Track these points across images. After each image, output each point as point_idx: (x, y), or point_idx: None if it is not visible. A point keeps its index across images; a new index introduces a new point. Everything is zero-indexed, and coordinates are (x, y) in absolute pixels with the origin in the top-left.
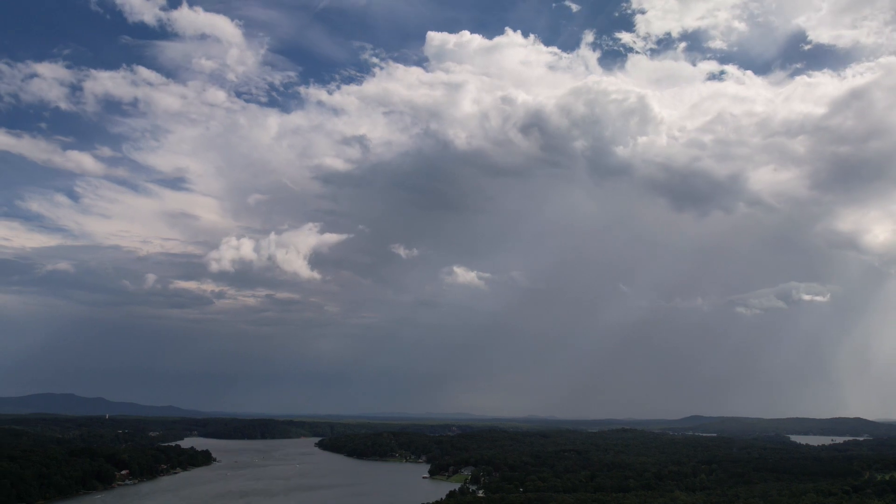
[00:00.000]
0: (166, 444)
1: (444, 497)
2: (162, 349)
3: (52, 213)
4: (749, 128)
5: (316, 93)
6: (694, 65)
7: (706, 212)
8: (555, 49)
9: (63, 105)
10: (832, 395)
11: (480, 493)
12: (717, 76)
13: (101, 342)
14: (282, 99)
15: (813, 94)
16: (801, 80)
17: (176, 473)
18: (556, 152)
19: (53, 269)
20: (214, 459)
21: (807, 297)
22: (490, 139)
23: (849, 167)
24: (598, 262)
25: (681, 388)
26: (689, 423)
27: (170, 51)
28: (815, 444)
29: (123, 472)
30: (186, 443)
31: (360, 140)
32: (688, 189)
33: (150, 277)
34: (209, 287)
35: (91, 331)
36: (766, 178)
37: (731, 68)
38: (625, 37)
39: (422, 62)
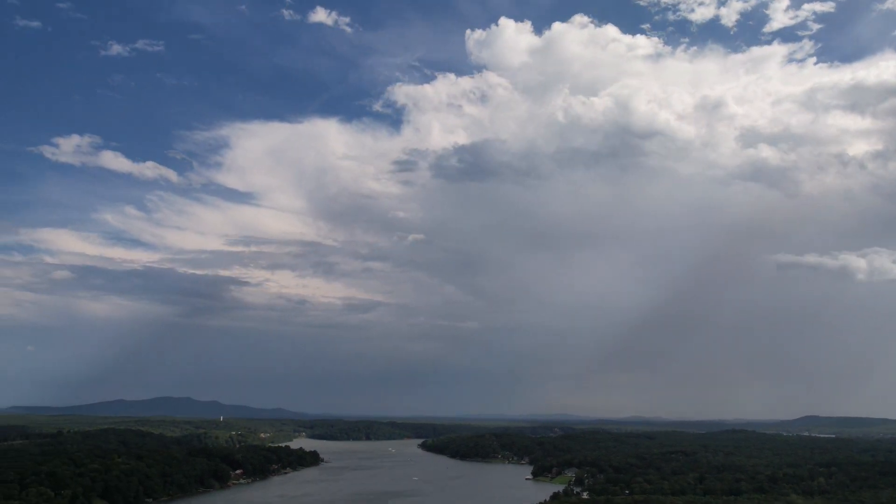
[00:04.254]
0: (276, 445)
1: (548, 499)
2: (269, 354)
3: (128, 226)
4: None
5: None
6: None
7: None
8: (618, 33)
9: (134, 114)
10: None
11: (585, 495)
12: (797, 59)
13: (212, 348)
14: (345, 107)
15: None
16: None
17: (286, 473)
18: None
19: (159, 278)
20: (322, 460)
21: None
22: (556, 138)
23: None
24: (698, 246)
25: (793, 386)
26: (803, 424)
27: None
28: None
29: (238, 471)
30: (295, 444)
31: (429, 144)
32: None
33: (250, 284)
34: (305, 292)
35: (202, 337)
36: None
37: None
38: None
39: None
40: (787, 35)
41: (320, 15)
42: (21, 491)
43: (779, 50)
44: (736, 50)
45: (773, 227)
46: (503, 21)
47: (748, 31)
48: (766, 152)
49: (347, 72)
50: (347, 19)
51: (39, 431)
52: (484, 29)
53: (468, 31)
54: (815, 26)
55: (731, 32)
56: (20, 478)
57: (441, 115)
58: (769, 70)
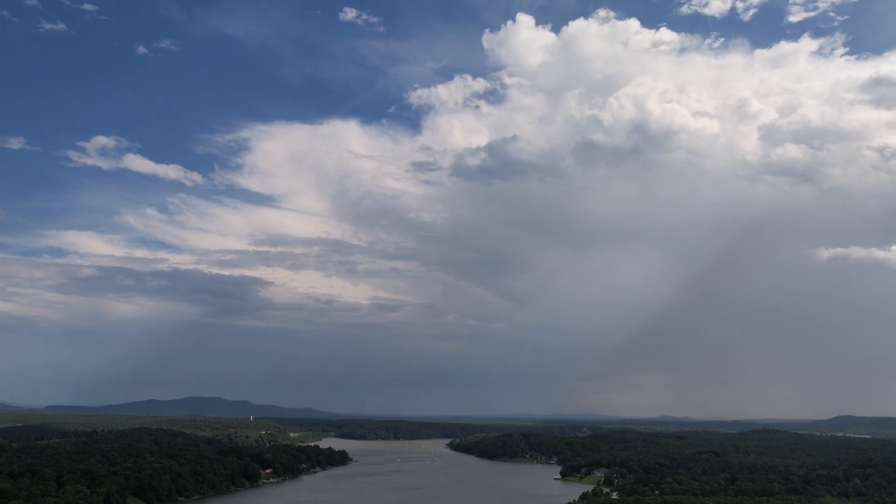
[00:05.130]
0: (306, 445)
1: (577, 499)
2: (297, 354)
3: (152, 228)
4: None
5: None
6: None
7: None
8: (639, 27)
9: (157, 117)
10: None
11: (614, 496)
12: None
13: (241, 348)
14: (366, 110)
15: None
16: None
17: (315, 473)
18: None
19: (185, 279)
20: (351, 460)
21: None
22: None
23: None
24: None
25: (827, 384)
26: (837, 424)
27: None
28: None
29: (268, 470)
30: (324, 443)
31: (450, 144)
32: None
33: (277, 284)
34: (332, 292)
35: (231, 337)
36: None
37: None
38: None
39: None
40: (815, 29)
41: (349, 14)
42: (58, 488)
43: (807, 44)
44: (762, 45)
45: (809, 222)
46: (520, 17)
47: (772, 26)
48: (799, 148)
49: (375, 79)
50: (377, 19)
51: (75, 430)
52: (503, 28)
53: (487, 32)
54: (839, 18)
55: (754, 26)
56: (57, 475)
57: (460, 115)
58: (797, 65)
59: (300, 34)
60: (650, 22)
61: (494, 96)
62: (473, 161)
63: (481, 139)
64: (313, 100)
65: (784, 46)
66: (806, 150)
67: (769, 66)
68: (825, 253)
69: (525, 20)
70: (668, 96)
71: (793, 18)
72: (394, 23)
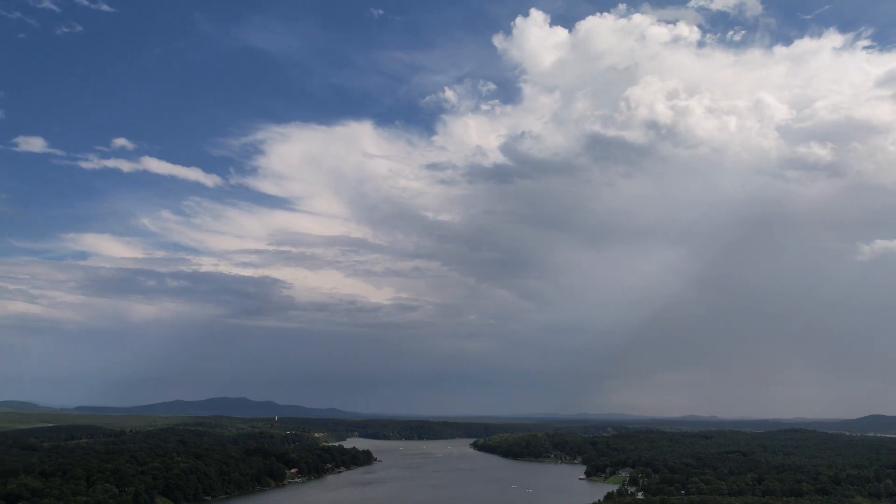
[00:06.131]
0: (330, 445)
1: (602, 499)
2: (321, 354)
3: (169, 230)
4: None
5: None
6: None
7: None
8: (654, 22)
9: (173, 120)
10: None
11: (640, 496)
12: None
13: (266, 348)
14: (382, 112)
15: None
16: None
17: (340, 472)
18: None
19: (207, 281)
20: (375, 459)
21: None
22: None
23: None
24: (752, 233)
25: (856, 383)
26: (867, 424)
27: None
28: None
29: (293, 470)
30: (348, 443)
31: (467, 145)
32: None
33: (298, 285)
34: (355, 293)
35: (254, 338)
36: None
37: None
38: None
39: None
40: (839, 22)
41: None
42: (88, 487)
43: (830, 38)
44: (782, 39)
45: (836, 217)
46: (533, 13)
47: (790, 20)
48: (823, 144)
49: (397, 88)
50: (402, 18)
51: (104, 430)
52: (514, 27)
53: (500, 32)
54: (855, 12)
55: (774, 21)
56: (87, 475)
57: (475, 116)
58: (820, 59)
59: (324, 44)
60: (668, 16)
61: (508, 96)
62: (488, 161)
63: (496, 139)
64: (329, 102)
65: (807, 41)
66: (832, 145)
67: (790, 60)
68: (853, 248)
69: (537, 17)
70: (683, 94)
71: (805, 15)
72: (417, 33)
